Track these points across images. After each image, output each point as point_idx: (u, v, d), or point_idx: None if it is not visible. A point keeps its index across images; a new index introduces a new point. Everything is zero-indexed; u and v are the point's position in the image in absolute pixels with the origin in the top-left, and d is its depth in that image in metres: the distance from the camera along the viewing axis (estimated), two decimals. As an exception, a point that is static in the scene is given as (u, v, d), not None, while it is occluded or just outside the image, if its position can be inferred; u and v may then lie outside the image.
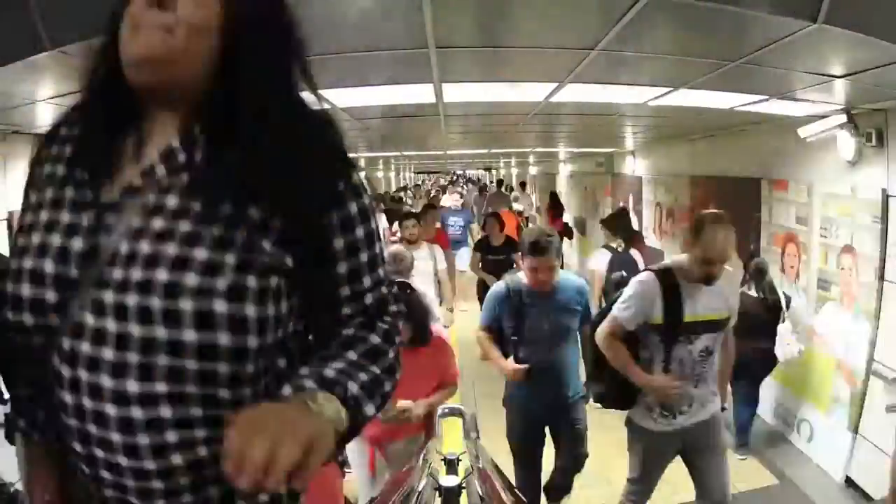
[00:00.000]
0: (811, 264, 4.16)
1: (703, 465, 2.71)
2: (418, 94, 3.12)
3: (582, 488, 3.85)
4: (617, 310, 2.55)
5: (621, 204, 7.91)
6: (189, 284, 0.73)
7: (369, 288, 0.89)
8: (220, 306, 0.74)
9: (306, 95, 0.89)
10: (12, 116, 2.93)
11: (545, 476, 3.35)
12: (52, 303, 0.77)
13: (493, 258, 6.42)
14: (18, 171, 3.58)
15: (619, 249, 5.31)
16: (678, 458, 2.78)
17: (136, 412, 0.74)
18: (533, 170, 16.90)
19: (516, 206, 12.19)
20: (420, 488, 1.57)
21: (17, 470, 0.90)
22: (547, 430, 3.23)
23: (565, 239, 9.17)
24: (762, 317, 3.88)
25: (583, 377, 3.16)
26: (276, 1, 0.83)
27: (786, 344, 3.79)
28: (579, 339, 3.08)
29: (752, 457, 4.17)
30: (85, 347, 0.75)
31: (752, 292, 3.99)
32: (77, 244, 0.78)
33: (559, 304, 2.94)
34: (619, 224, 5.87)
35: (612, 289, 4.58)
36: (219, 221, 0.76)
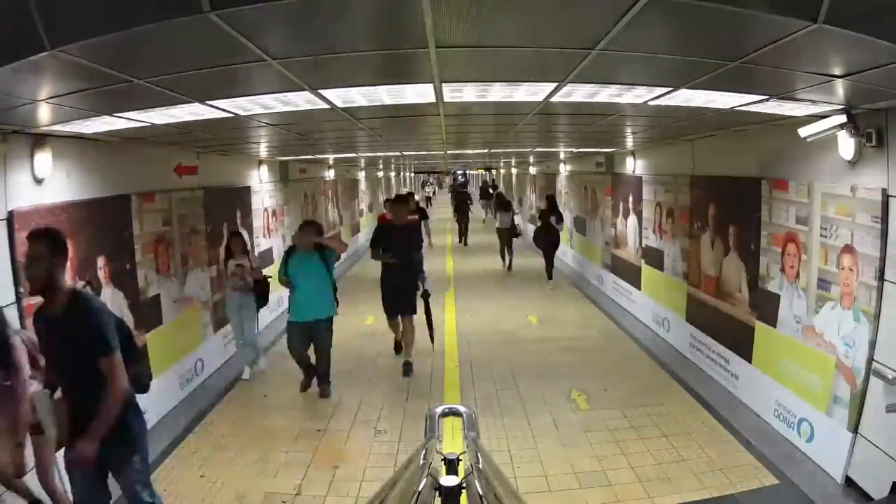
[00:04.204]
0: (811, 264, 4.16)
1: None
2: (418, 94, 3.13)
3: (582, 488, 3.86)
4: None
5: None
6: None
7: None
8: None
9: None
10: (12, 116, 2.93)
11: None
12: None
13: None
14: (18, 171, 3.58)
15: None
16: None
17: None
18: (533, 169, 16.91)
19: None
20: (420, 488, 1.57)
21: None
22: None
23: None
24: None
25: None
26: None
27: None
28: None
29: (752, 457, 4.19)
30: None
31: None
32: None
33: None
34: None
35: None
36: None
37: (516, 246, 12.58)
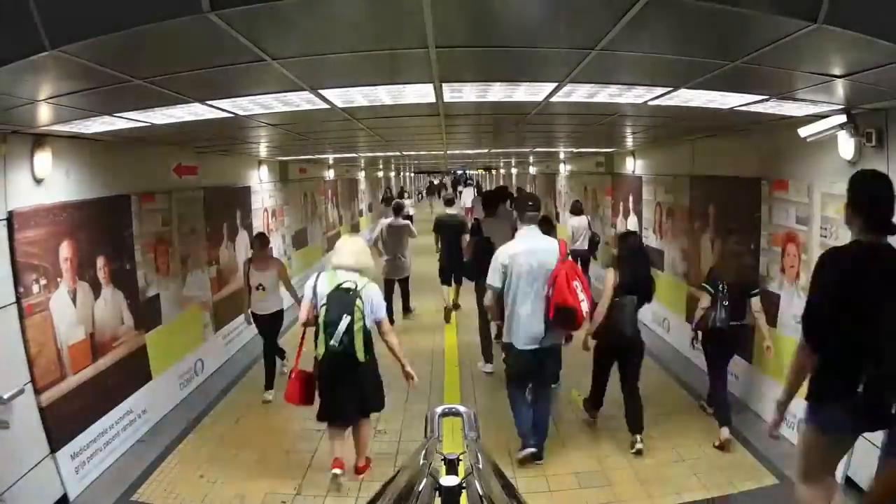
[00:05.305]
0: (811, 264, 4.15)
1: None
2: (418, 94, 3.12)
3: (582, 488, 3.85)
4: None
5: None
6: None
7: None
8: None
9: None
10: (12, 116, 2.93)
11: None
12: None
13: None
14: (18, 171, 3.58)
15: None
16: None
17: None
18: (533, 169, 16.93)
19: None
20: (420, 488, 1.57)
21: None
22: None
23: None
24: None
25: None
26: None
27: None
28: None
29: (752, 457, 4.19)
30: None
31: None
32: None
33: None
34: None
35: None
36: None
37: None
